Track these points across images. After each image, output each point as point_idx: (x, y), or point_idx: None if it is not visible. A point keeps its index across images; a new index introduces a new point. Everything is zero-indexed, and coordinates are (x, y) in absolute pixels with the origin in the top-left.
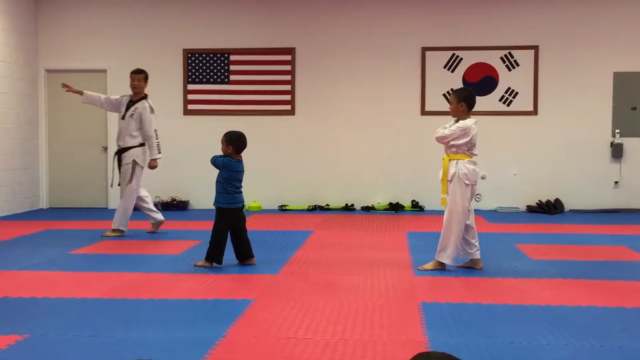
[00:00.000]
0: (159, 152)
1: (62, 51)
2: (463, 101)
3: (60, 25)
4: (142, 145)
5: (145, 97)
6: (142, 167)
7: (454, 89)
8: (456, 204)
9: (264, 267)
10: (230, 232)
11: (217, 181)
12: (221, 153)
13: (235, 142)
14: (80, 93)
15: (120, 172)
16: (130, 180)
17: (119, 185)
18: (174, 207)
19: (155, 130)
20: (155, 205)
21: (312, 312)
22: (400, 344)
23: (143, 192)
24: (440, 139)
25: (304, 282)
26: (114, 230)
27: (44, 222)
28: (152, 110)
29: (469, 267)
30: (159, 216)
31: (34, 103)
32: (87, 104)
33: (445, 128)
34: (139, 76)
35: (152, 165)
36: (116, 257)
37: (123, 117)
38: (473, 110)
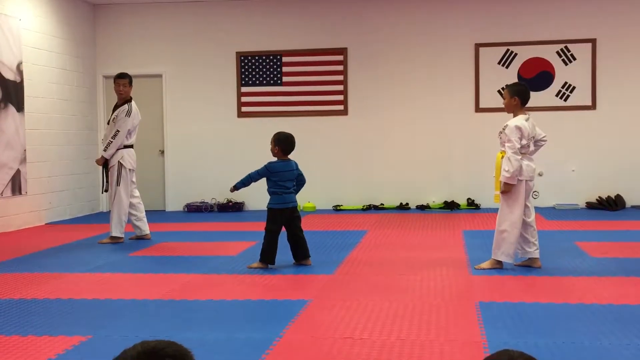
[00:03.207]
0: (105, 151)
1: (119, 57)
2: (516, 95)
3: (116, 32)
4: (126, 147)
5: (129, 100)
6: (130, 170)
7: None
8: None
9: (320, 268)
10: (286, 232)
11: (267, 183)
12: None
13: (282, 143)
14: (99, 162)
15: (108, 176)
16: (118, 183)
17: (105, 191)
18: (229, 208)
19: (118, 131)
20: (212, 206)
21: (369, 312)
22: (458, 345)
23: (135, 198)
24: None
25: (360, 282)
26: (111, 238)
27: (104, 225)
28: (128, 113)
29: (527, 266)
30: (145, 228)
31: (93, 109)
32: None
33: (509, 159)
34: (123, 81)
35: (97, 161)
36: (174, 258)
37: (108, 122)
38: (528, 105)
